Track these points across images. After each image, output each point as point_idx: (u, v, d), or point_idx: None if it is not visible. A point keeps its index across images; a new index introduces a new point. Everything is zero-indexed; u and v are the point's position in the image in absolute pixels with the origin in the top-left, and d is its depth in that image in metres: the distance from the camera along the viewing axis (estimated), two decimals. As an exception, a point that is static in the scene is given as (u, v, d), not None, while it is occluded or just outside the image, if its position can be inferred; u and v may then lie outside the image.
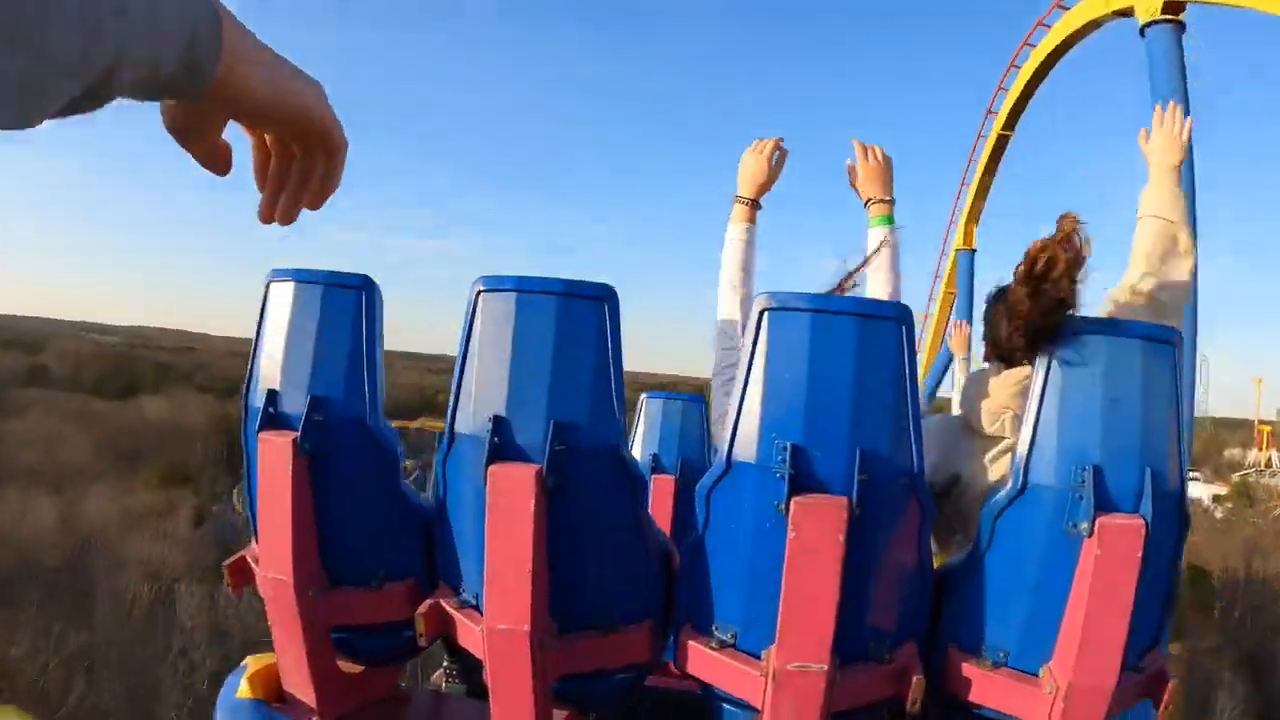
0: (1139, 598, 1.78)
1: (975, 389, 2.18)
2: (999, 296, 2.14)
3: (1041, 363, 1.90)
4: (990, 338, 2.20)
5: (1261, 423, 66.54)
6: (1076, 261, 1.85)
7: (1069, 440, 1.86)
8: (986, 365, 2.26)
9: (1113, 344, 1.89)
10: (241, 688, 2.26)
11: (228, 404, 60.14)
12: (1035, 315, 1.85)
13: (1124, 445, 1.85)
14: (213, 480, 45.03)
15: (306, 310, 2.14)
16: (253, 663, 2.32)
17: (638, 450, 3.60)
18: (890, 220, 2.34)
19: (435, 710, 2.48)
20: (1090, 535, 1.78)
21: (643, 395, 3.71)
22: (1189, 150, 2.30)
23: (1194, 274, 2.21)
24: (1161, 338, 1.92)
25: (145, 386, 62.54)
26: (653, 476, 3.36)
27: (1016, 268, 1.89)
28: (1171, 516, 1.90)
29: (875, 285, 2.30)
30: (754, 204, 2.34)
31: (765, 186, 2.35)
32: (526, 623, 1.86)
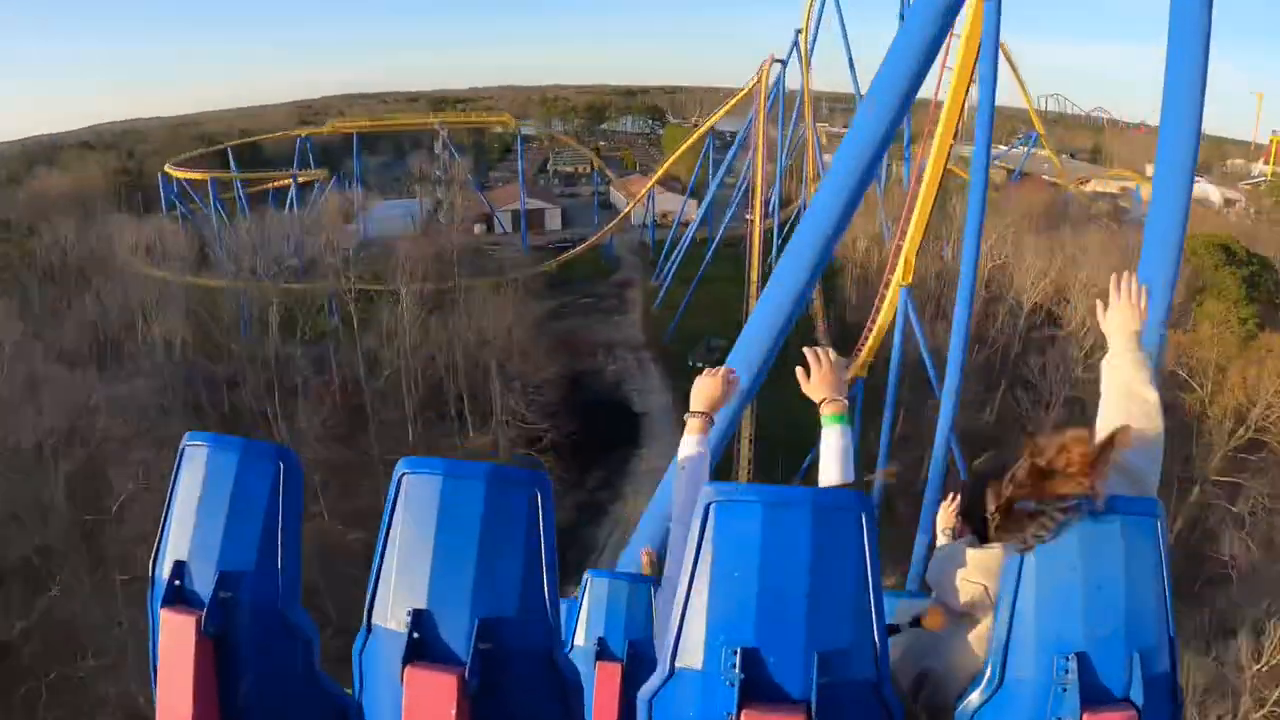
0: None
1: (950, 561, 2.04)
2: (994, 473, 2.02)
3: (1016, 544, 1.76)
4: (973, 513, 2.06)
5: (1275, 133, 67.19)
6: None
7: (1049, 627, 1.71)
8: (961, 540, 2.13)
9: (1092, 522, 1.75)
10: None
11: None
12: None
13: (1109, 629, 1.71)
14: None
15: (220, 478, 1.98)
16: None
17: (581, 633, 3.43)
18: (842, 419, 2.32)
19: None
20: None
21: (586, 574, 3.55)
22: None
23: (1162, 423, 2.14)
24: (1142, 512, 1.79)
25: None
26: (598, 664, 3.20)
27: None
28: (1164, 701, 1.75)
29: (828, 482, 2.23)
30: (709, 418, 2.47)
31: (718, 404, 2.49)
32: None
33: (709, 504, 1.70)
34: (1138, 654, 1.68)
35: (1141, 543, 1.77)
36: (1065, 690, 1.66)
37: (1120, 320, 2.26)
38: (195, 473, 2.01)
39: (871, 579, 1.70)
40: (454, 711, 1.66)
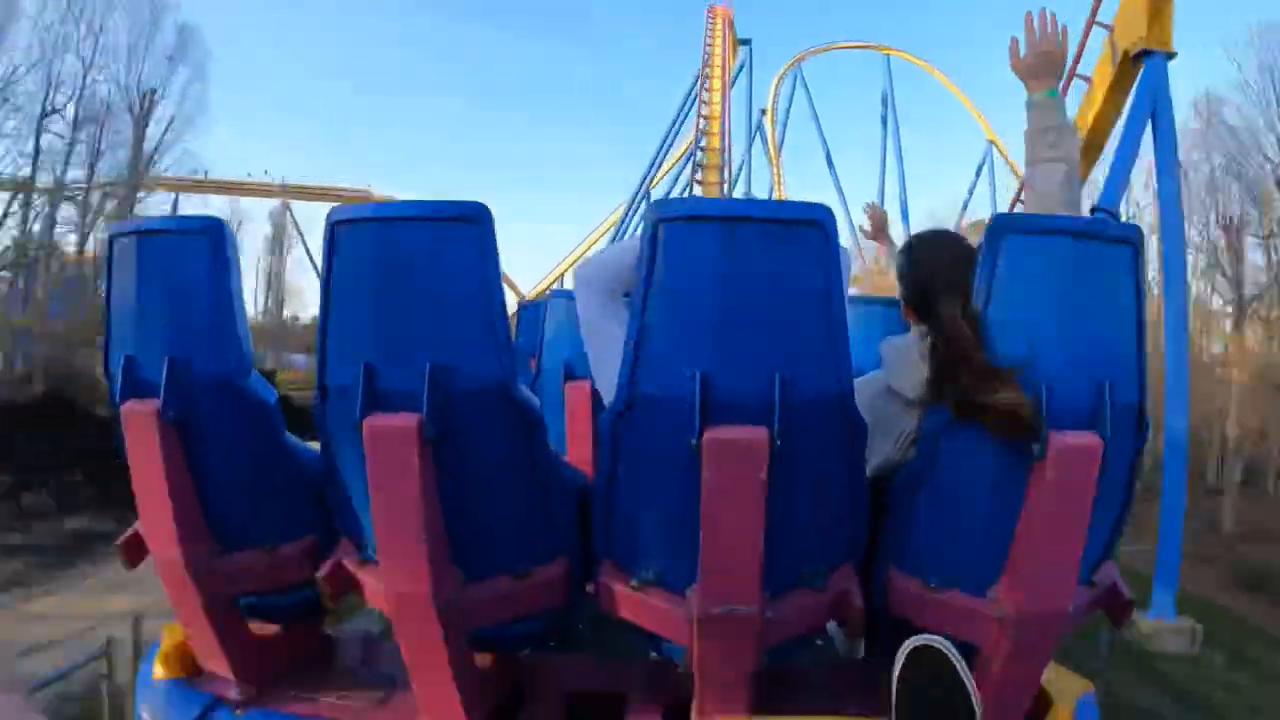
0: (1094, 515, 1.63)
1: (902, 362, 1.88)
2: (933, 247, 1.86)
3: (985, 265, 1.67)
4: (912, 301, 1.92)
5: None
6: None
7: (1018, 351, 1.65)
8: (907, 335, 1.96)
9: (1065, 245, 1.67)
10: (156, 669, 2.13)
11: None
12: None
13: (1079, 356, 1.66)
14: None
15: (153, 265, 1.90)
16: (165, 638, 2.18)
17: (549, 355, 3.35)
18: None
19: (365, 654, 2.36)
20: (1042, 457, 1.60)
21: (549, 295, 3.43)
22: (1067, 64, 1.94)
23: (1081, 174, 1.93)
24: (1120, 237, 1.70)
25: None
26: (567, 385, 3.14)
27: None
28: (1130, 428, 1.74)
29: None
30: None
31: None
32: (426, 584, 1.70)
33: (656, 221, 1.60)
34: (1108, 384, 1.64)
35: (1117, 268, 1.69)
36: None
37: (1030, 69, 1.92)
38: (126, 264, 1.92)
39: (834, 294, 1.62)
40: (415, 459, 1.64)
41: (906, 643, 1.55)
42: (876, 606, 1.81)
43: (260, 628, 2.16)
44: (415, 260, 1.66)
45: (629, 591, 1.76)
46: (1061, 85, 1.96)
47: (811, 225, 1.61)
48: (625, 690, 2.02)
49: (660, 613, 1.72)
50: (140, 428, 1.88)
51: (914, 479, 1.78)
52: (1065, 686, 1.96)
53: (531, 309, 3.58)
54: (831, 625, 2.37)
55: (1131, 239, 1.71)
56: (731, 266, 1.58)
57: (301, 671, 2.15)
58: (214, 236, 1.86)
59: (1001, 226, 1.70)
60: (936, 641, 1.54)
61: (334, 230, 1.71)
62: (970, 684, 1.51)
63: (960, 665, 1.52)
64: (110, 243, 1.96)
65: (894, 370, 1.87)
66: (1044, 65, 1.93)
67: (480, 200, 1.63)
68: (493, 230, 1.66)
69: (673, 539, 1.70)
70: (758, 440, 1.54)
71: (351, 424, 1.69)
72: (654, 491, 1.69)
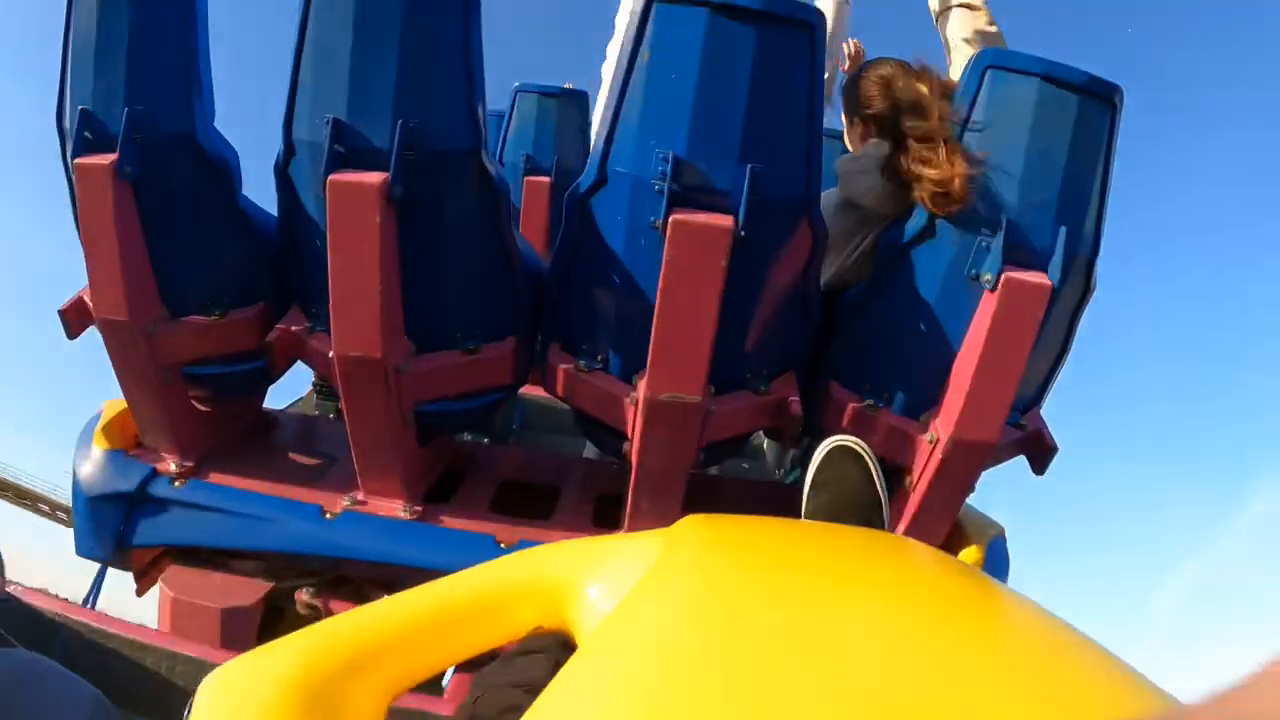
0: (1032, 358, 1.69)
1: (861, 174, 1.88)
2: (895, 64, 1.87)
3: (965, 94, 1.70)
4: (879, 114, 1.90)
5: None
6: None
7: (986, 186, 1.69)
8: (865, 149, 1.95)
9: (1046, 91, 1.69)
10: (95, 441, 2.10)
11: None
12: None
13: (1043, 200, 1.70)
14: None
15: (114, 12, 1.78)
16: (107, 409, 2.15)
17: (510, 149, 3.31)
18: None
19: (304, 434, 2.36)
20: (993, 289, 1.65)
21: (515, 88, 3.37)
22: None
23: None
24: (1102, 93, 1.73)
25: None
26: (525, 178, 3.12)
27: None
28: (1080, 281, 1.80)
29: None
30: None
31: None
32: (378, 349, 1.70)
33: (650, 1, 1.58)
34: (1065, 231, 1.68)
35: (1093, 122, 1.72)
36: (989, 249, 1.67)
37: None
38: (87, 10, 1.80)
39: (813, 100, 1.63)
40: (377, 218, 1.62)
41: (824, 442, 1.59)
42: (813, 421, 1.87)
43: (201, 401, 2.14)
44: (395, 16, 1.61)
45: (575, 374, 1.78)
46: None
47: (801, 26, 1.61)
48: (559, 483, 2.06)
49: (605, 396, 1.75)
50: (94, 182, 1.79)
51: (865, 297, 1.82)
52: (981, 525, 2.07)
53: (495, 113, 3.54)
54: (767, 444, 2.44)
55: (1112, 99, 1.74)
56: (717, 54, 1.58)
57: (241, 445, 2.14)
58: None
59: (988, 60, 1.72)
60: (853, 441, 1.57)
61: None
62: (880, 481, 1.55)
63: (873, 462, 1.56)
64: None
65: (852, 183, 1.89)
66: None
67: None
68: None
69: (626, 324, 1.72)
70: (722, 226, 1.56)
71: (315, 181, 1.66)
72: (613, 273, 1.71)
